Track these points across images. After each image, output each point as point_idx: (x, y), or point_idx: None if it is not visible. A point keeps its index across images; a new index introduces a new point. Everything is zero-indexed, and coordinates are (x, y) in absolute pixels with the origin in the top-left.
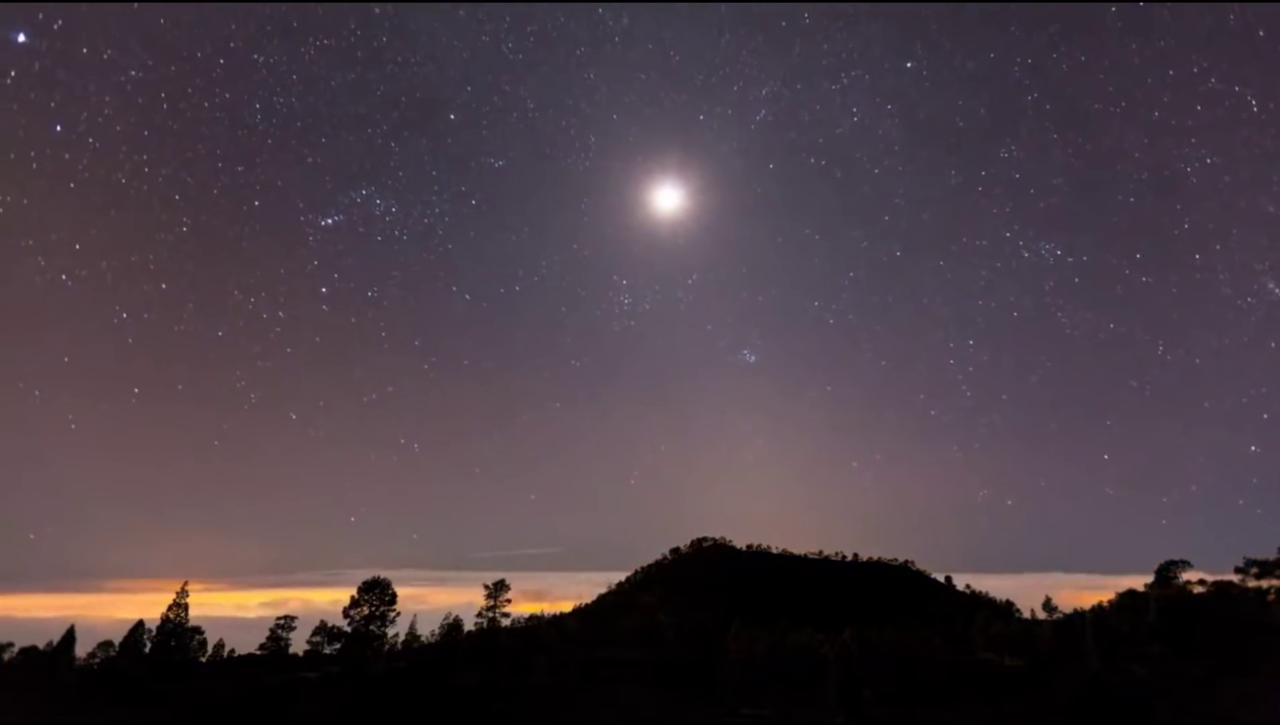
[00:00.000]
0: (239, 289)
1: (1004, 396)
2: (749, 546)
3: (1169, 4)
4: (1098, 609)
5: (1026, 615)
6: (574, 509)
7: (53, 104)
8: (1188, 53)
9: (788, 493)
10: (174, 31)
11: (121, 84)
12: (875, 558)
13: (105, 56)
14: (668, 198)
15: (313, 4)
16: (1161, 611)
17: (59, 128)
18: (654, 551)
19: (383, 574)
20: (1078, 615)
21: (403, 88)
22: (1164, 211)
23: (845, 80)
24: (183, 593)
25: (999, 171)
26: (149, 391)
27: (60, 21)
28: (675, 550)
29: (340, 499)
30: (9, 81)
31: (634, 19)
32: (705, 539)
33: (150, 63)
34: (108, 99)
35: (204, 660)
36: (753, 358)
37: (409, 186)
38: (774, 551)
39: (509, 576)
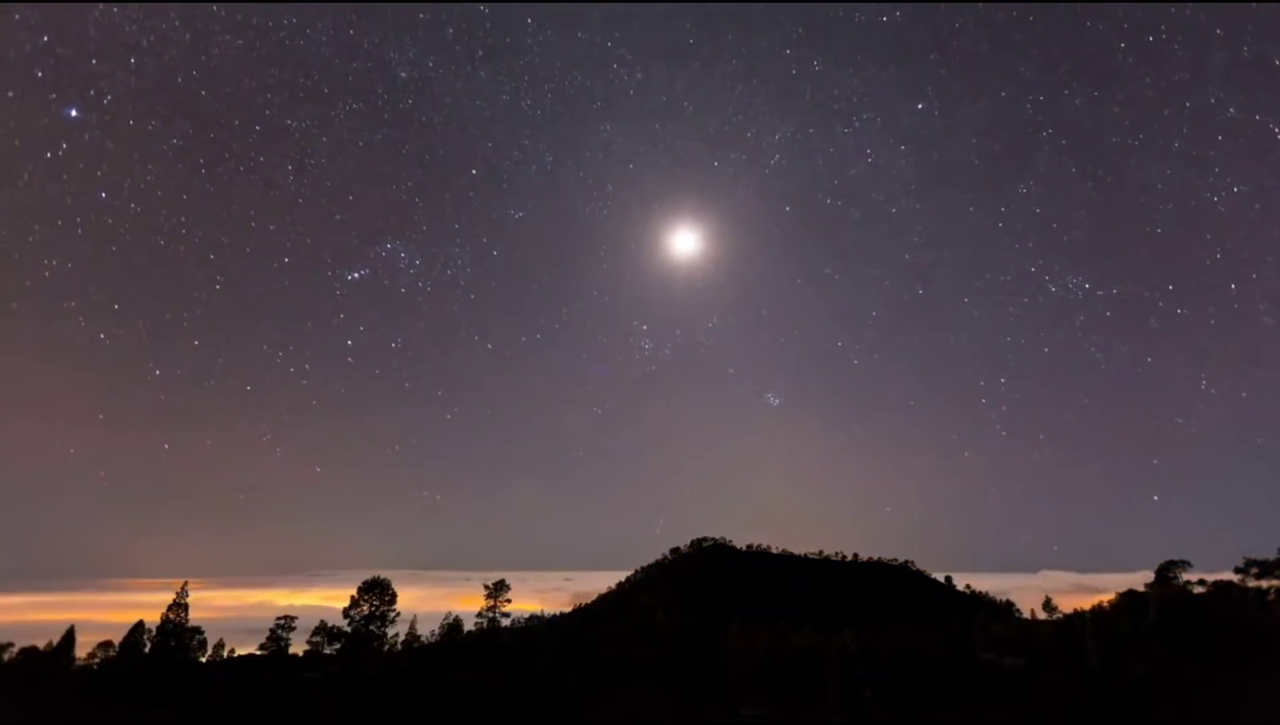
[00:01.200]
0: (268, 344)
1: (1041, 435)
2: (749, 546)
3: (1181, 39)
4: (1098, 609)
5: (1026, 615)
6: (600, 566)
7: (99, 172)
8: (1203, 85)
9: (824, 541)
10: (214, 102)
11: (164, 152)
12: (875, 558)
13: (150, 127)
14: (685, 243)
15: (344, 68)
16: (1161, 611)
17: (104, 195)
18: (654, 552)
19: (383, 574)
20: (1078, 615)
21: (427, 146)
22: (1194, 242)
23: (857, 123)
24: (183, 593)
25: (1019, 207)
26: (179, 446)
27: (110, 97)
28: (675, 550)
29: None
30: (60, 154)
31: (648, 72)
32: (705, 539)
33: (191, 131)
34: (150, 166)
35: (204, 660)
36: (776, 401)
37: (433, 239)
38: (774, 551)
39: (510, 577)
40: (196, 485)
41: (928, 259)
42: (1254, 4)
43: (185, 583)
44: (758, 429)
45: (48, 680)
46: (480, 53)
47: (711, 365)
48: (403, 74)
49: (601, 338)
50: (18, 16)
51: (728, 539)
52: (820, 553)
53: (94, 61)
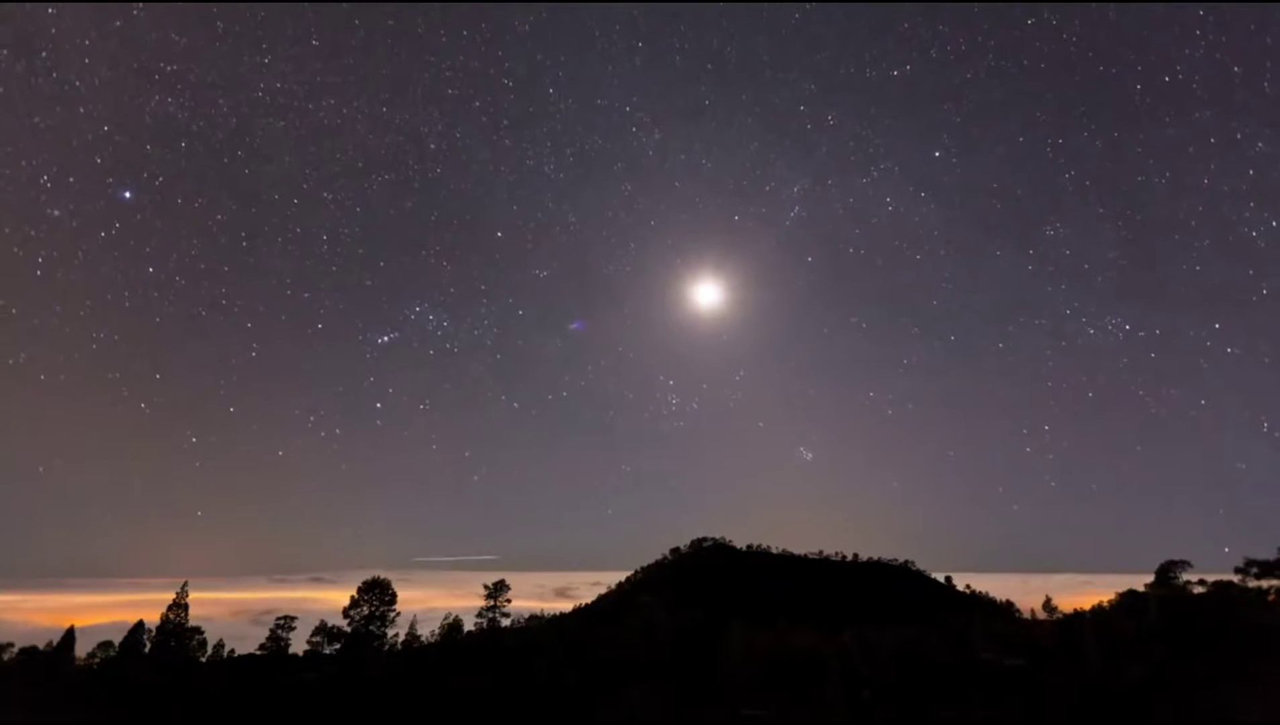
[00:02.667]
0: (299, 408)
1: (1093, 486)
2: (749, 546)
3: (1199, 78)
4: (1098, 609)
5: (1026, 615)
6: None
7: (148, 249)
8: (1226, 121)
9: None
10: (256, 179)
11: (208, 227)
12: (875, 558)
13: (196, 205)
14: (709, 297)
15: (377, 142)
16: (1161, 611)
17: (151, 270)
18: (654, 552)
19: (383, 574)
20: (1077, 615)
21: (455, 211)
22: (1236, 279)
23: (875, 173)
24: (183, 593)
25: (1048, 250)
26: (211, 512)
27: (161, 179)
28: (675, 550)
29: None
30: (113, 232)
31: (666, 133)
32: (705, 539)
33: (234, 207)
34: (195, 241)
35: (204, 660)
36: (810, 455)
37: (460, 301)
38: (774, 551)
39: (509, 577)
40: (230, 552)
41: (957, 305)
42: (1271, 43)
43: (185, 583)
44: (792, 485)
45: (48, 680)
46: (505, 122)
47: (741, 419)
48: (432, 145)
49: (628, 393)
50: (82, 110)
51: (728, 539)
52: (820, 553)
53: (148, 147)
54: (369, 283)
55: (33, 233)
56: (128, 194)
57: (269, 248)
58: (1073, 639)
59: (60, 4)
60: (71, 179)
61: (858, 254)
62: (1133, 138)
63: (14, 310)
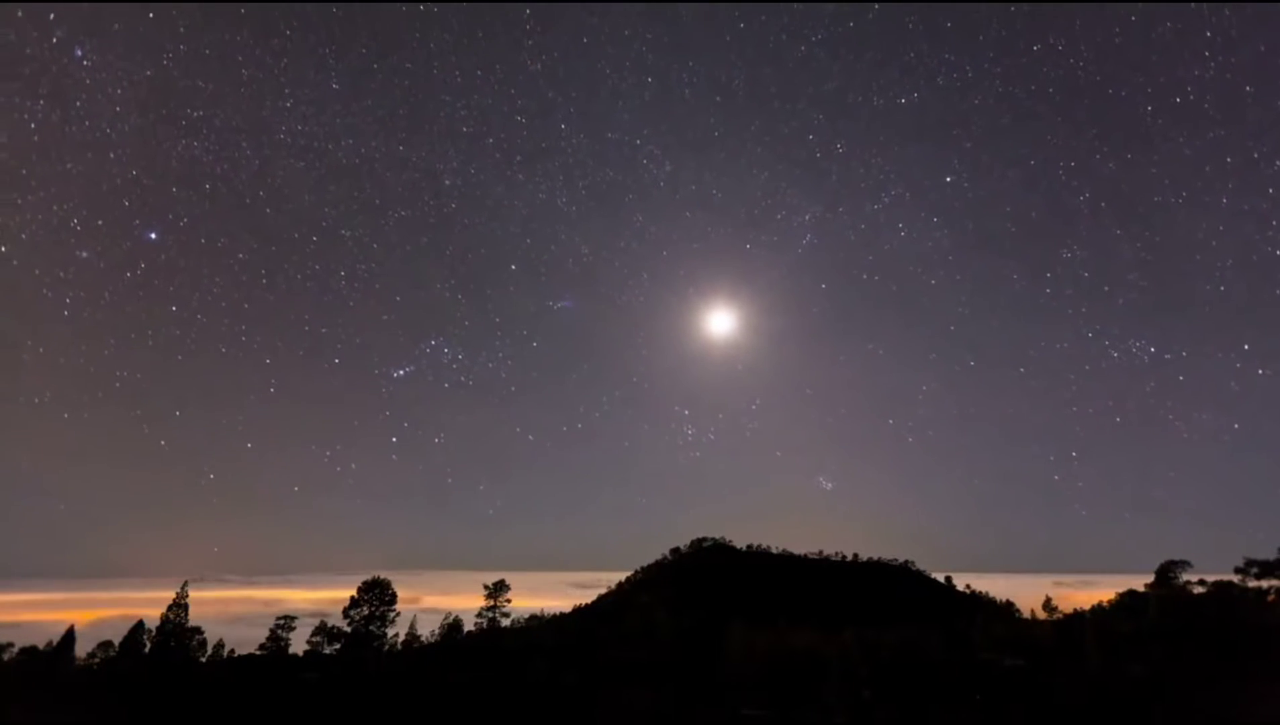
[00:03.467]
0: (316, 443)
1: (1126, 514)
2: (749, 546)
3: (1210, 98)
4: (1098, 609)
5: (1026, 615)
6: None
7: (171, 288)
8: (1241, 140)
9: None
10: (277, 218)
11: (230, 266)
12: (875, 558)
13: (219, 244)
14: (723, 326)
15: (394, 180)
16: (1161, 611)
17: (174, 308)
18: (654, 552)
19: (383, 574)
20: (1077, 615)
21: (469, 246)
22: (1262, 298)
23: (886, 199)
24: (183, 593)
25: (1065, 272)
26: (227, 544)
27: (186, 220)
28: (675, 550)
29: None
30: (138, 273)
31: (677, 164)
32: (705, 539)
33: (255, 246)
34: (217, 280)
35: (204, 660)
36: (829, 484)
37: (475, 334)
38: (774, 551)
39: (509, 577)
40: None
41: (975, 330)
42: None
43: (185, 583)
44: (813, 514)
45: (48, 680)
46: (518, 158)
47: (758, 449)
48: (447, 181)
49: (643, 425)
50: (112, 155)
51: (728, 539)
52: (820, 553)
53: (174, 189)
54: (385, 318)
55: (62, 274)
56: (153, 235)
57: (288, 285)
58: (1073, 639)
59: (95, 57)
60: (100, 222)
61: (871, 280)
62: (1146, 159)
63: (41, 349)
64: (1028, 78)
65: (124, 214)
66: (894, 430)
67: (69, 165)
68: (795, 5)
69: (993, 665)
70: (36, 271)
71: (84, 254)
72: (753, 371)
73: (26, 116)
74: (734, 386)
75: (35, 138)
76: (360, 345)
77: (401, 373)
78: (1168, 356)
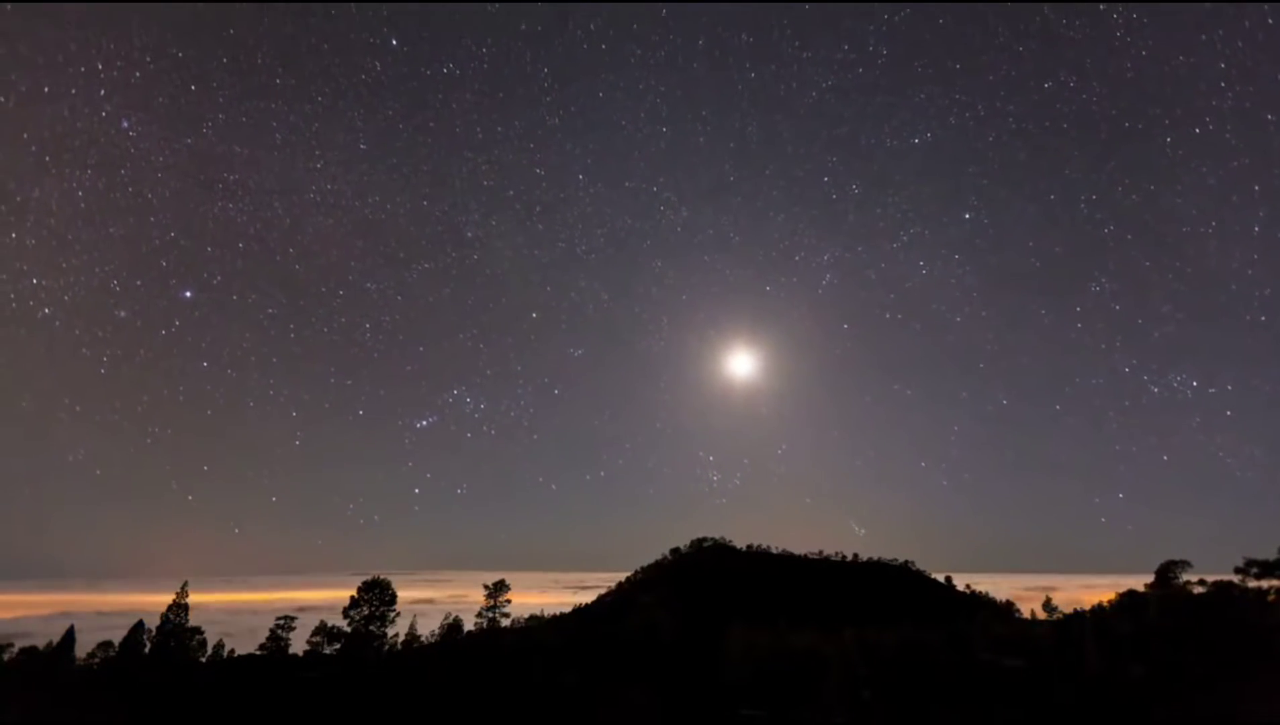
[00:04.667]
0: (339, 495)
1: (1191, 565)
2: (749, 546)
3: (1230, 127)
4: (1098, 609)
5: (1026, 615)
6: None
7: (203, 344)
8: (1268, 167)
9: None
10: (306, 273)
11: (259, 320)
12: (875, 558)
13: (250, 300)
14: (745, 369)
15: (418, 233)
16: (1161, 611)
17: (205, 364)
18: (654, 552)
19: (383, 574)
20: (1077, 615)
21: (491, 295)
22: None
23: (905, 237)
24: (183, 593)
25: (1095, 306)
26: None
27: (219, 277)
28: (675, 550)
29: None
30: (173, 330)
31: (693, 210)
32: (705, 539)
33: (284, 301)
34: (247, 335)
35: (204, 660)
36: (862, 530)
37: (496, 383)
38: (774, 551)
39: (509, 577)
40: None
41: (1005, 367)
42: None
43: (185, 583)
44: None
45: (48, 680)
46: (538, 208)
47: (787, 494)
48: (469, 233)
49: (665, 470)
50: (153, 219)
51: (728, 539)
52: (820, 553)
53: (209, 249)
54: (409, 368)
55: (100, 333)
56: (188, 293)
57: (315, 338)
58: (1073, 639)
59: (141, 127)
60: (139, 282)
61: (894, 319)
62: (1170, 189)
63: (77, 408)
64: (1040, 114)
65: (161, 274)
66: (927, 473)
67: (112, 230)
68: (805, 55)
69: (993, 665)
70: (77, 332)
71: (122, 313)
72: (777, 414)
73: (75, 185)
74: (758, 430)
75: (82, 205)
76: (384, 397)
77: (424, 423)
78: (1212, 390)
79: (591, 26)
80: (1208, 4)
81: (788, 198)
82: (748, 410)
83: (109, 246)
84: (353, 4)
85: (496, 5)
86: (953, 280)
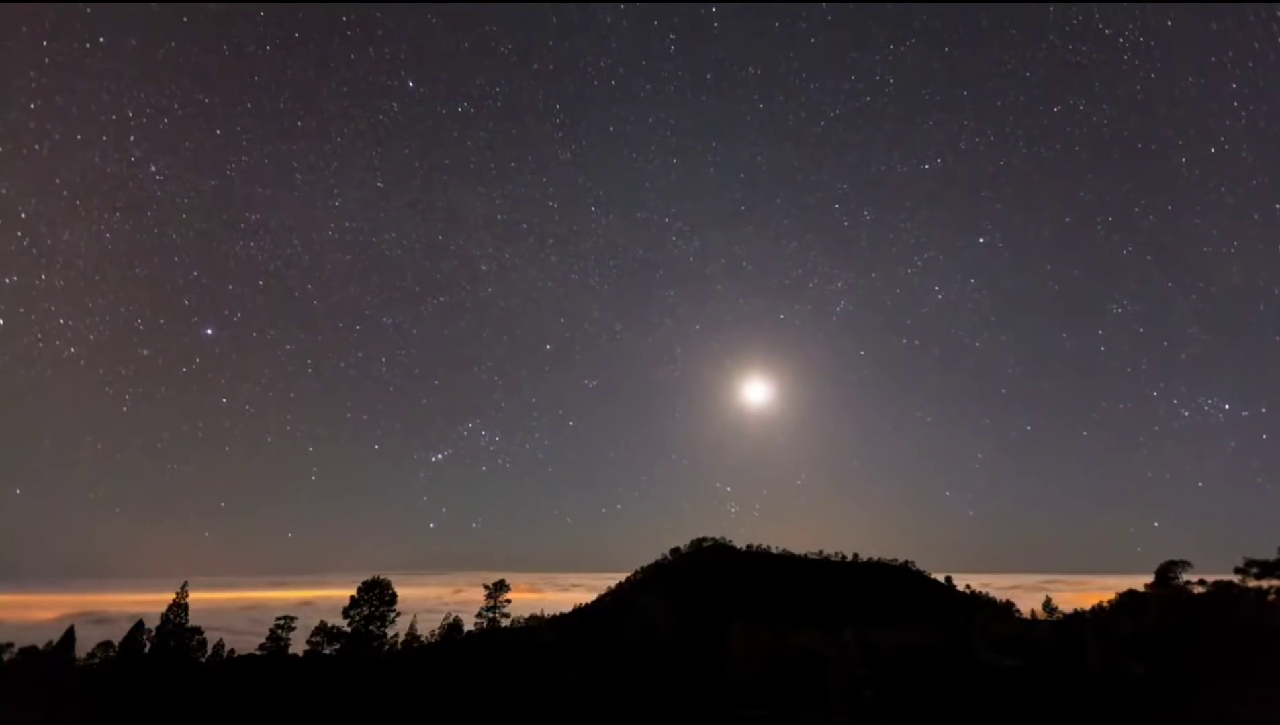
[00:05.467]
0: (354, 532)
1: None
2: (749, 546)
3: (1247, 146)
4: (1098, 609)
5: (1026, 615)
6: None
7: (223, 381)
8: None
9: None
10: (324, 309)
11: (277, 357)
12: (875, 558)
13: (269, 337)
14: (761, 398)
15: (433, 268)
16: (1161, 611)
17: (224, 400)
18: (654, 552)
19: (383, 574)
20: (1077, 615)
21: (505, 328)
22: None
23: (919, 262)
24: (183, 593)
25: (1117, 328)
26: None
27: (240, 315)
28: (675, 550)
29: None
30: (194, 367)
31: (705, 240)
32: (705, 539)
33: (302, 337)
34: (265, 371)
35: (204, 660)
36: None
37: (511, 415)
38: (774, 551)
39: (509, 577)
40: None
41: (1028, 392)
42: None
43: (185, 583)
44: None
45: (48, 680)
46: (551, 241)
47: (808, 527)
48: (483, 267)
49: (684, 503)
50: (176, 259)
51: (728, 539)
52: (820, 553)
53: (230, 287)
54: (424, 402)
55: (123, 372)
56: (209, 330)
57: (332, 373)
58: (1073, 639)
59: (168, 171)
60: (161, 321)
61: (912, 345)
62: (1188, 209)
63: (99, 446)
64: (1051, 137)
65: (183, 312)
66: (952, 503)
67: (137, 269)
68: (812, 86)
69: (993, 665)
70: (101, 371)
71: (145, 352)
72: (795, 444)
73: (103, 228)
74: (777, 460)
75: (110, 246)
76: (400, 431)
77: (439, 457)
78: (1245, 413)
79: (601, 64)
80: (1215, 27)
81: (799, 225)
82: (765, 440)
83: (134, 286)
84: (372, 49)
85: (509, 47)
86: (969, 305)
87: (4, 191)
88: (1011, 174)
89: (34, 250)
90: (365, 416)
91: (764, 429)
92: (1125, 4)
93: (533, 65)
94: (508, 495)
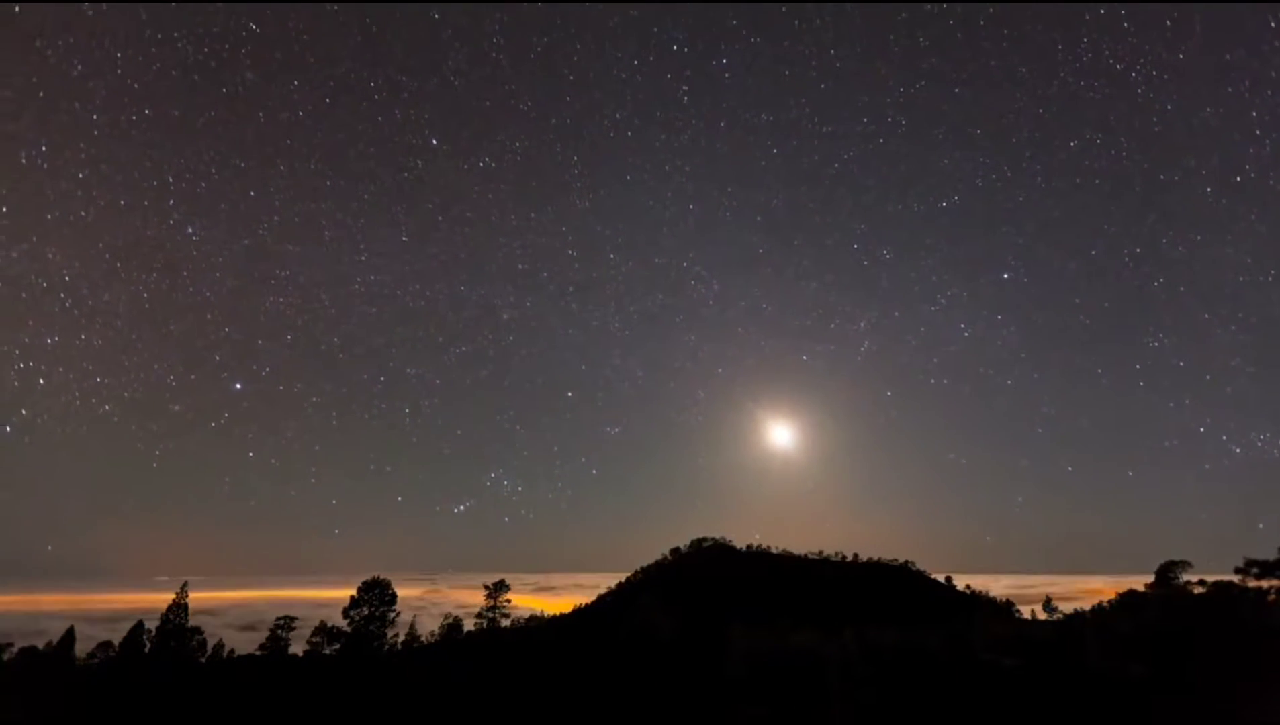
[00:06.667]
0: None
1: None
2: (749, 546)
3: (1274, 174)
4: (1098, 609)
5: (1026, 615)
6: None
7: (249, 435)
8: None
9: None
10: (349, 361)
11: (303, 409)
12: (875, 558)
13: (295, 390)
14: (785, 440)
15: (455, 318)
16: (1161, 611)
17: (250, 454)
18: (654, 552)
19: (382, 574)
20: (1077, 615)
21: (527, 376)
22: None
23: (943, 300)
24: (183, 593)
25: (1156, 362)
26: None
27: (268, 369)
28: (675, 550)
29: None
30: (222, 422)
31: (724, 283)
32: (705, 539)
33: (328, 388)
34: (291, 423)
35: (204, 660)
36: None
37: (534, 464)
38: (774, 551)
39: (509, 578)
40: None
41: (1066, 431)
42: None
43: (185, 583)
44: None
45: (48, 680)
46: (571, 288)
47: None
48: (505, 316)
49: None
50: (209, 316)
51: (728, 539)
52: (820, 553)
53: (259, 342)
54: (447, 452)
55: (154, 427)
56: (238, 385)
57: (356, 425)
58: (1073, 639)
59: (203, 232)
60: (193, 376)
61: (940, 384)
62: (1219, 238)
63: (129, 503)
64: (1070, 172)
65: (214, 367)
66: (994, 549)
67: (171, 326)
68: (825, 130)
69: (993, 665)
70: (134, 427)
71: (176, 407)
72: (823, 488)
73: (141, 288)
74: (805, 506)
75: (146, 306)
76: (422, 482)
77: (462, 508)
78: None
79: (617, 116)
80: (1229, 59)
81: (818, 266)
82: (792, 485)
83: (168, 343)
84: (398, 111)
85: (528, 104)
86: (998, 341)
87: (51, 256)
88: (1031, 209)
89: (75, 311)
90: (389, 468)
91: (789, 473)
92: (1134, 41)
93: (551, 120)
94: (530, 547)
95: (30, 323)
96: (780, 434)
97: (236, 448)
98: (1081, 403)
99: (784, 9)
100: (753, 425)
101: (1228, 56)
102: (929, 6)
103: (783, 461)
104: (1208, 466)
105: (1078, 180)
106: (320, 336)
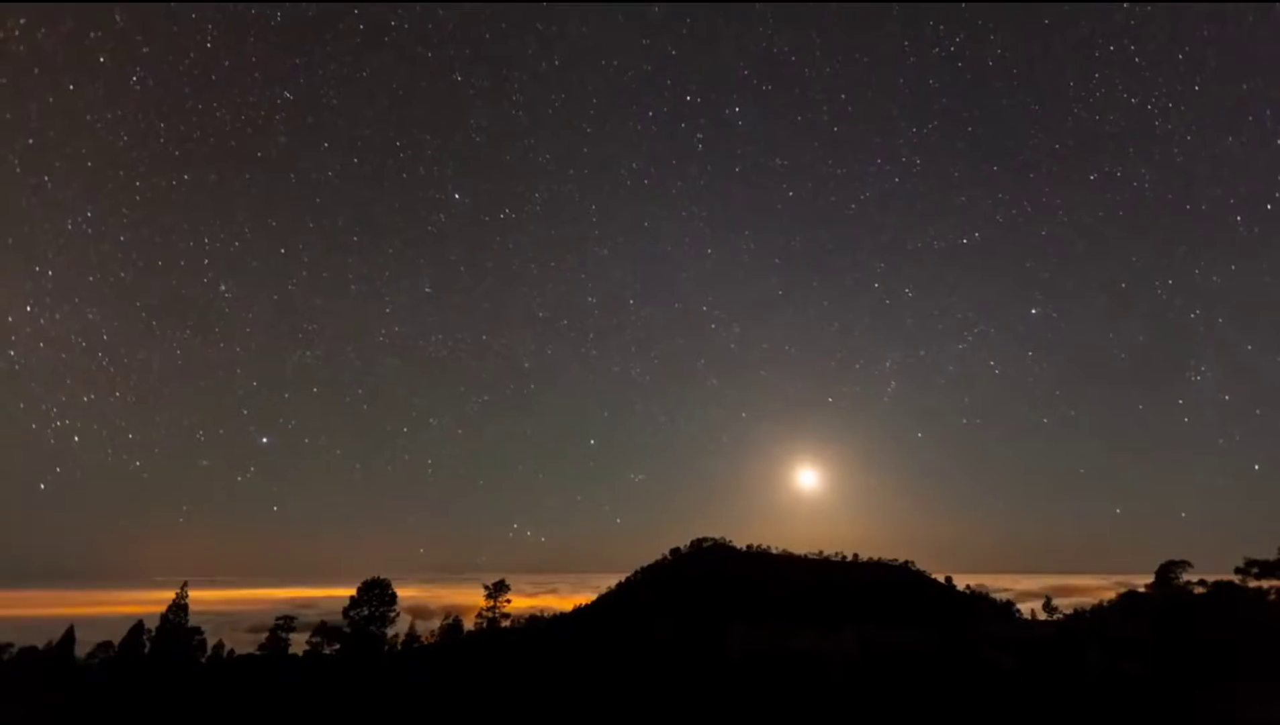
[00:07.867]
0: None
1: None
2: (749, 546)
3: None
4: (1098, 609)
5: (1026, 615)
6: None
7: (275, 488)
8: None
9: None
10: (374, 413)
11: (328, 462)
12: (875, 558)
13: (320, 443)
14: (813, 483)
15: (477, 367)
16: (1161, 611)
17: (275, 508)
18: (654, 552)
19: (382, 575)
20: (1077, 615)
21: (549, 425)
22: None
23: (970, 337)
24: (183, 593)
25: (1199, 396)
26: None
27: (294, 422)
28: (675, 550)
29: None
30: (248, 476)
31: (745, 326)
32: (705, 539)
33: (351, 440)
34: (315, 477)
35: (204, 660)
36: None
37: (557, 516)
38: (774, 551)
39: (509, 578)
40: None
41: (1109, 470)
42: None
43: (185, 583)
44: None
45: (48, 680)
46: (591, 335)
47: None
48: (526, 364)
49: None
50: (239, 370)
51: (728, 539)
52: (820, 553)
53: (286, 395)
54: (469, 503)
55: (182, 483)
56: (265, 439)
57: (381, 478)
58: (1073, 639)
59: (236, 289)
60: (221, 431)
61: (973, 424)
62: (1254, 267)
63: (153, 565)
64: (1092, 205)
65: (242, 422)
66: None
67: (201, 382)
68: (839, 171)
69: (993, 665)
70: (162, 483)
71: (204, 462)
72: (853, 537)
73: (174, 345)
74: (833, 553)
75: (179, 363)
76: (445, 535)
77: (482, 560)
78: None
79: (634, 165)
80: (1246, 88)
81: (839, 307)
82: (820, 532)
83: (197, 399)
84: (421, 167)
85: (547, 156)
86: (1031, 379)
87: (91, 316)
88: (1055, 243)
89: (111, 368)
90: (410, 519)
91: (818, 518)
92: (1148, 75)
93: (569, 170)
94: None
95: (68, 382)
96: (808, 478)
97: (261, 502)
98: (1123, 441)
99: (794, 58)
100: (779, 470)
101: (1245, 86)
102: (937, 50)
103: (812, 507)
104: (1265, 506)
105: (1100, 213)
106: (344, 388)
